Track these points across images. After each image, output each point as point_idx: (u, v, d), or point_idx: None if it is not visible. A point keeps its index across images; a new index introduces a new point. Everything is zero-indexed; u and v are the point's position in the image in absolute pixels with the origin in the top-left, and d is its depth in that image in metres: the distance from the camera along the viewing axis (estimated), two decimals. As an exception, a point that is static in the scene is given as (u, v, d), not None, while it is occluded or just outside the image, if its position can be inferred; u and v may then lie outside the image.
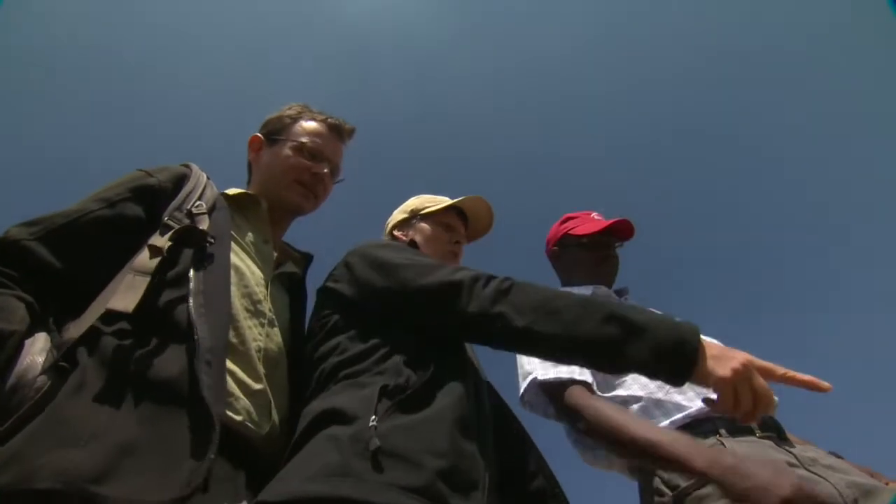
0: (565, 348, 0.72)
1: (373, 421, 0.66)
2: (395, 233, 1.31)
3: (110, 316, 0.65)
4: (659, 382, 0.98)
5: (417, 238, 1.25)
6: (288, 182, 1.08)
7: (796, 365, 0.68)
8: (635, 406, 1.04)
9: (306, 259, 1.15)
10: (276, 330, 0.91)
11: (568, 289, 1.36)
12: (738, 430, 0.94)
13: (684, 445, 0.79)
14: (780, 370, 0.67)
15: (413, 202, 1.36)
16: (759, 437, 0.95)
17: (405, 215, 1.32)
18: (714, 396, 0.68)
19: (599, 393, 1.07)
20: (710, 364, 0.65)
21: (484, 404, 0.84)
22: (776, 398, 0.97)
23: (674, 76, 5.82)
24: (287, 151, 1.09)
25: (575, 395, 1.00)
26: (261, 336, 0.86)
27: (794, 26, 5.05)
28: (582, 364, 0.87)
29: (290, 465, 0.67)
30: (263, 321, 0.88)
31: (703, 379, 0.65)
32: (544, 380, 1.05)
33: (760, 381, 0.65)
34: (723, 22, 5.38)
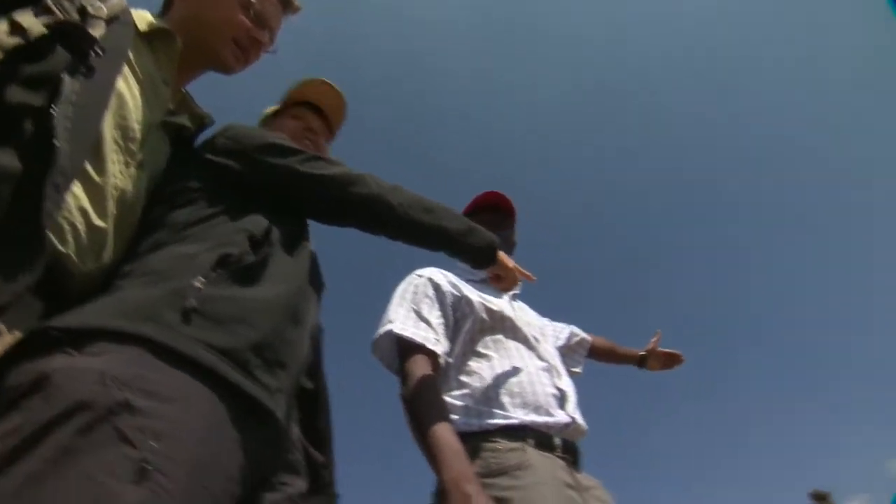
0: (431, 235, 0.96)
1: (198, 282, 0.64)
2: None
3: None
4: (494, 375, 1.10)
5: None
6: (225, 38, 0.97)
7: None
8: (469, 401, 1.08)
9: (204, 120, 1.02)
10: (144, 176, 0.81)
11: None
12: (543, 445, 1.00)
13: (449, 454, 0.86)
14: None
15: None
16: (557, 455, 1.01)
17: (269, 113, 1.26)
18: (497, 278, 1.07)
19: (452, 374, 1.11)
20: (503, 256, 1.04)
21: (310, 312, 0.83)
22: (585, 426, 1.13)
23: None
24: (231, 2, 0.97)
25: (416, 363, 1.02)
26: (122, 174, 0.76)
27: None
28: (436, 246, 0.98)
29: (92, 301, 0.63)
30: (131, 161, 0.78)
31: (500, 261, 1.03)
32: (401, 334, 1.05)
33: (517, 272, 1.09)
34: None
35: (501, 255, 1.04)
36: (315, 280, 0.88)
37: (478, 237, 0.99)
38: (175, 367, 0.56)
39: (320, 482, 0.85)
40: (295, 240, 0.85)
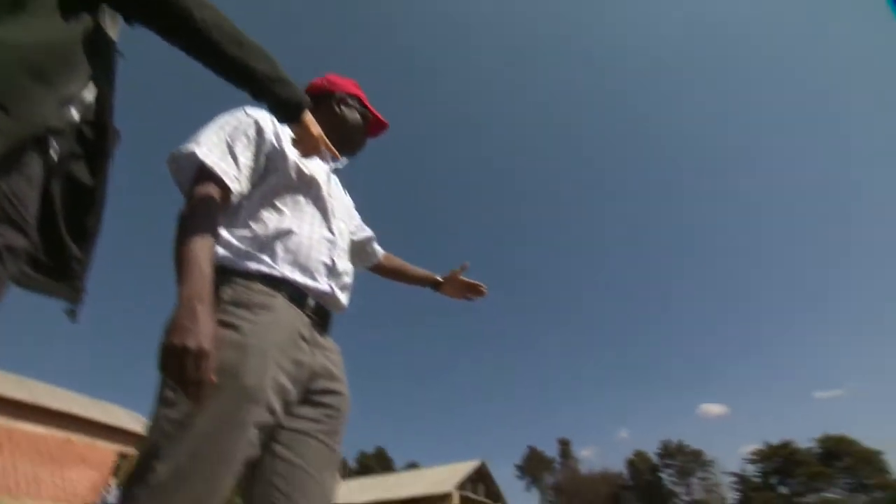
0: (233, 68, 0.91)
1: None
2: None
3: None
4: (278, 228, 1.09)
5: None
6: None
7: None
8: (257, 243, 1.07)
9: None
10: None
11: None
12: (295, 299, 1.04)
13: (196, 273, 0.85)
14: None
15: None
16: (305, 312, 1.05)
17: None
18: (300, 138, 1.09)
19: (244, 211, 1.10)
20: (309, 118, 1.07)
21: (69, 80, 0.74)
22: (345, 303, 1.19)
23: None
24: None
25: (208, 189, 1.00)
26: None
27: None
28: (237, 81, 0.94)
29: None
30: None
31: (304, 123, 1.06)
32: (204, 160, 1.02)
33: (319, 140, 1.11)
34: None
35: (309, 118, 1.07)
36: (95, 59, 0.80)
37: (286, 89, 0.98)
38: None
39: (70, 273, 0.85)
40: (74, 10, 0.75)
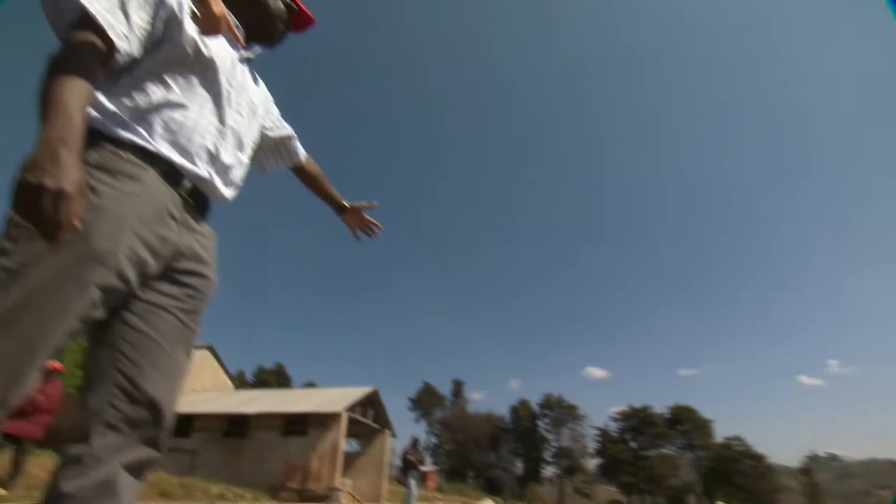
0: None
1: None
2: None
3: None
4: (162, 104, 1.01)
5: None
6: None
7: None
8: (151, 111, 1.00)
9: None
10: None
11: None
12: (168, 177, 0.98)
13: (64, 117, 0.77)
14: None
15: None
16: (180, 193, 1.01)
17: None
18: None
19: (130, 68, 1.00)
20: None
21: None
22: (226, 195, 1.14)
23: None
24: None
25: (89, 39, 0.88)
26: None
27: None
28: None
29: None
30: None
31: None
32: (88, 8, 0.89)
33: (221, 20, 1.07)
34: None
35: None
36: None
37: None
38: None
39: None
40: None
